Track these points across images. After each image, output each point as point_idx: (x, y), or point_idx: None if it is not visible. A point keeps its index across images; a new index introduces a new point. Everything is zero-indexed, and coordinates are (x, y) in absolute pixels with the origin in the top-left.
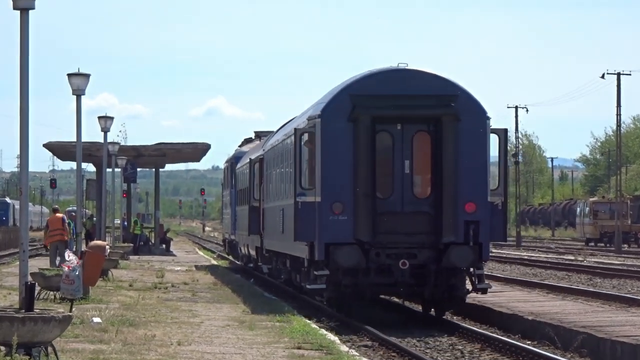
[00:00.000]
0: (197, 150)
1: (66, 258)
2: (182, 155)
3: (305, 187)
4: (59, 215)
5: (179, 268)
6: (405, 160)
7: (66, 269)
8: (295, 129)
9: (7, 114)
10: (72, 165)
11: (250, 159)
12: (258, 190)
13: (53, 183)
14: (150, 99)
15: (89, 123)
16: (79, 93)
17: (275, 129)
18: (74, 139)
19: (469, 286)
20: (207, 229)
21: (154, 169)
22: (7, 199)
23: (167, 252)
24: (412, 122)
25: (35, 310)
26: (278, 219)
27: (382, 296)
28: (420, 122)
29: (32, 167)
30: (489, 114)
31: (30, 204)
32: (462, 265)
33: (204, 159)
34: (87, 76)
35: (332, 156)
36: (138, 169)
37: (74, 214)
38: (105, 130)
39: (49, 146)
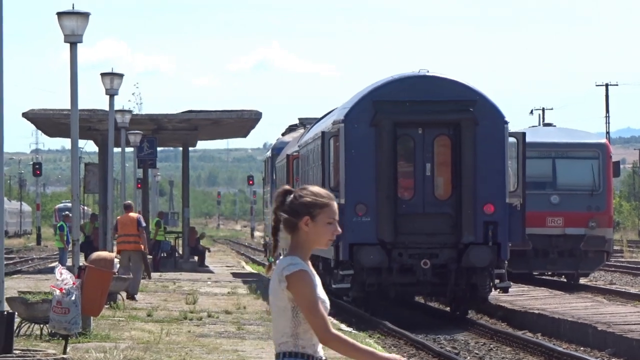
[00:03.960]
0: (243, 122)
1: (57, 277)
2: (221, 128)
3: (333, 189)
4: (133, 215)
5: (218, 290)
6: (427, 163)
7: (58, 292)
8: (322, 132)
9: None
10: (64, 143)
11: (287, 154)
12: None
13: (37, 169)
14: (174, 48)
15: (88, 82)
16: (73, 40)
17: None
18: (66, 106)
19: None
20: (257, 233)
21: (181, 148)
22: None
23: (201, 266)
24: (433, 126)
25: (14, 351)
26: None
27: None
28: (440, 127)
29: (8, 147)
30: (506, 119)
31: (5, 199)
32: (481, 265)
33: (252, 133)
34: (85, 16)
35: (356, 159)
36: (159, 149)
37: (68, 213)
38: (112, 93)
39: (30, 116)
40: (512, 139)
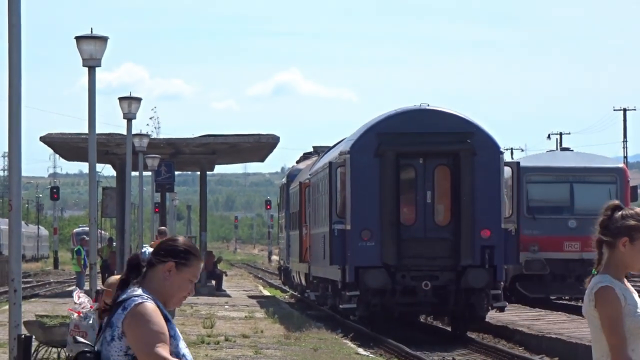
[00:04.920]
0: (261, 146)
1: (75, 300)
2: (240, 152)
3: (339, 216)
4: None
5: (235, 314)
6: (427, 191)
7: (75, 315)
8: (329, 163)
9: None
10: (82, 167)
11: (300, 181)
12: (305, 215)
13: (55, 193)
14: (193, 72)
15: (106, 106)
16: (92, 64)
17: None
18: (84, 130)
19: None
20: (274, 257)
21: (198, 173)
22: None
23: (218, 290)
24: (433, 156)
25: None
26: (321, 245)
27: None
28: (440, 157)
29: (26, 171)
30: (502, 149)
31: (22, 223)
32: (478, 286)
33: (269, 157)
34: (103, 40)
35: (361, 188)
36: (176, 173)
37: (85, 237)
38: (130, 118)
39: (48, 140)
40: (507, 169)
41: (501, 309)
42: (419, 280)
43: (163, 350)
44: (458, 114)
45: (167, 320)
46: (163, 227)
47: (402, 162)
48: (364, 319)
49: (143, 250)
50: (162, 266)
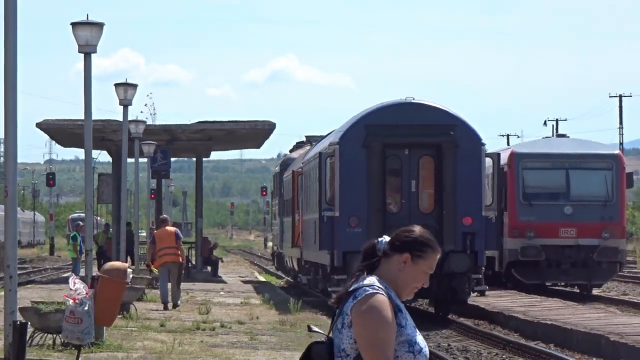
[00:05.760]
0: (257, 132)
1: (71, 287)
2: (235, 138)
3: (329, 203)
4: (170, 228)
5: (231, 300)
6: (412, 180)
7: (71, 302)
8: (319, 153)
9: None
10: (78, 153)
11: (293, 170)
12: (297, 202)
13: (51, 179)
14: (190, 58)
15: (102, 92)
16: (87, 50)
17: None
18: (80, 116)
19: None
20: (270, 244)
21: (194, 159)
22: None
23: (214, 276)
24: (418, 148)
25: None
26: (312, 230)
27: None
28: (424, 148)
29: (22, 157)
30: (483, 141)
31: (18, 209)
32: (460, 270)
33: (266, 143)
34: (99, 26)
35: (349, 177)
36: (172, 159)
37: (81, 223)
38: (126, 104)
39: (44, 126)
40: (488, 159)
41: (482, 293)
42: None
43: (380, 352)
44: (442, 107)
45: (398, 310)
46: (165, 215)
47: (389, 152)
48: None
49: (380, 240)
50: (397, 257)
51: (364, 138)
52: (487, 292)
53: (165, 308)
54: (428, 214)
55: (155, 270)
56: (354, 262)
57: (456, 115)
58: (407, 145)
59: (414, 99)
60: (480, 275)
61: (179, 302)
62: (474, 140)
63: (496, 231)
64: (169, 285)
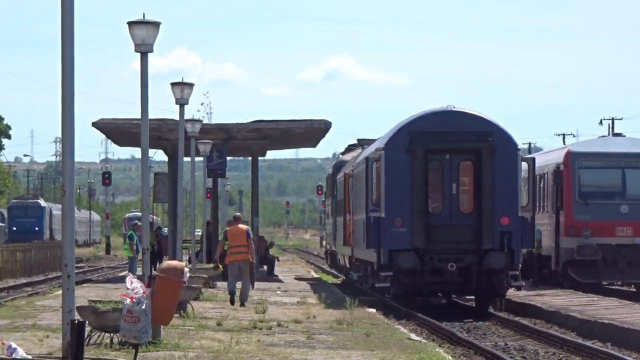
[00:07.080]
0: (313, 131)
1: (128, 286)
2: (291, 137)
3: (375, 204)
4: (243, 226)
5: (287, 299)
6: (453, 183)
7: (128, 301)
8: (367, 157)
9: (42, 79)
10: (134, 152)
11: (345, 172)
12: (348, 202)
13: (107, 178)
14: (245, 58)
15: (158, 92)
16: (144, 49)
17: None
18: (136, 115)
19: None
20: (324, 242)
21: (250, 158)
22: (41, 201)
23: (270, 276)
24: (458, 153)
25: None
26: (361, 230)
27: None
28: (464, 153)
29: (78, 156)
30: (519, 146)
31: (75, 208)
32: (498, 267)
33: (321, 143)
34: (155, 25)
35: (394, 180)
36: (228, 158)
37: (138, 222)
38: (182, 103)
39: (100, 125)
40: (524, 163)
41: (519, 288)
42: (445, 262)
43: None
44: (480, 115)
45: None
46: (238, 214)
47: (431, 157)
48: (397, 296)
49: None
50: None
51: (407, 144)
52: (544, 292)
53: (232, 302)
54: (467, 215)
55: (220, 268)
56: (399, 260)
57: (494, 122)
58: (448, 150)
59: (454, 107)
60: (517, 272)
61: (245, 302)
62: (510, 145)
63: (532, 230)
64: (238, 284)
